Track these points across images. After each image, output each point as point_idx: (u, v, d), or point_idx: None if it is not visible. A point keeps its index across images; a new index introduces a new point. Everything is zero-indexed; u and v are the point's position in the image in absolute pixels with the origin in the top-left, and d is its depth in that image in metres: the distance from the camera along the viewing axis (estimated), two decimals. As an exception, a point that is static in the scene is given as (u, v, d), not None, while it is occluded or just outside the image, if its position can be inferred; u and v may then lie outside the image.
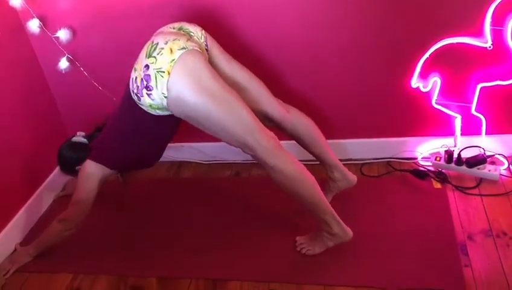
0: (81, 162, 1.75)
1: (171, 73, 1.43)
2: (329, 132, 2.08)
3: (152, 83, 1.45)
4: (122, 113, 1.63)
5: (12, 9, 2.00)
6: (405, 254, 1.63)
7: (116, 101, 2.10)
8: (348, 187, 1.87)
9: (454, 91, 1.90)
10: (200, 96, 1.45)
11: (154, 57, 1.44)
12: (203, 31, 1.62)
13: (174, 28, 1.58)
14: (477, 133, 1.96)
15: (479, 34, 1.77)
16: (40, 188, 2.15)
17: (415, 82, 1.89)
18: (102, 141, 1.73)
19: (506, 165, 1.94)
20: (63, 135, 2.27)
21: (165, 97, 1.46)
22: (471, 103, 1.89)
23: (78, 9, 2.01)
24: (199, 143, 2.26)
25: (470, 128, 1.96)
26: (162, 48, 1.44)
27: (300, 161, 1.58)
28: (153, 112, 1.53)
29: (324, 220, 1.60)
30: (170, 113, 1.53)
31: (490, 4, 1.70)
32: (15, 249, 1.93)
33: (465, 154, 1.93)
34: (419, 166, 2.04)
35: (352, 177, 1.86)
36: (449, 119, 1.96)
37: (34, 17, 2.00)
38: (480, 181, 1.90)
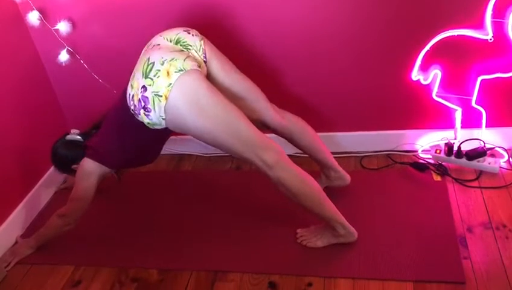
0: (77, 161, 1.73)
1: (169, 98, 1.41)
2: (329, 125, 2.09)
3: (150, 106, 1.44)
4: (121, 116, 1.59)
5: (12, 1, 2.00)
6: (404, 246, 1.64)
7: (116, 94, 2.10)
8: (342, 185, 1.88)
9: (454, 84, 1.90)
10: (198, 119, 1.44)
11: (151, 78, 1.42)
12: (202, 41, 1.57)
13: (171, 41, 1.53)
14: (478, 125, 1.96)
15: (479, 26, 1.76)
16: (41, 181, 2.16)
17: (416, 75, 1.89)
18: (100, 140, 1.71)
19: (506, 157, 1.94)
20: (63, 128, 2.27)
21: (163, 119, 1.46)
22: (472, 95, 1.88)
23: (77, 1, 2.00)
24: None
25: (470, 121, 1.96)
26: (159, 70, 1.41)
27: (289, 155, 1.58)
28: (150, 127, 1.52)
29: (330, 224, 1.61)
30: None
31: (491, -4, 1.70)
32: (16, 242, 1.94)
33: (465, 147, 1.94)
34: (419, 159, 2.04)
35: (347, 176, 1.88)
36: (449, 112, 1.96)
37: (33, 9, 2.00)
38: (480, 174, 1.91)
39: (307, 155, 1.86)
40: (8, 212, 1.96)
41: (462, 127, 1.96)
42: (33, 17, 2.00)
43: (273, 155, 1.51)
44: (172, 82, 1.40)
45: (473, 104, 1.90)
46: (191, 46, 1.54)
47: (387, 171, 2.02)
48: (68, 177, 2.29)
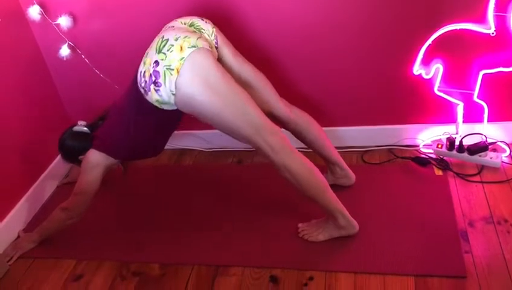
0: (84, 152, 1.74)
1: (180, 71, 1.42)
2: (331, 120, 2.09)
3: (161, 80, 1.45)
4: (128, 103, 1.62)
5: (13, -4, 2.00)
6: (406, 240, 1.64)
7: (117, 88, 2.10)
8: (347, 184, 1.89)
9: (456, 78, 1.89)
10: (208, 96, 1.45)
11: (164, 53, 1.44)
12: (214, 29, 1.61)
13: (185, 24, 1.56)
14: (479, 120, 1.95)
15: (482, 20, 1.76)
16: (43, 175, 2.16)
17: (417, 69, 1.88)
18: (107, 130, 1.72)
19: (508, 152, 1.94)
20: (65, 122, 2.27)
21: (173, 94, 1.46)
22: (474, 90, 1.88)
23: (78, -5, 2.00)
24: (201, 131, 2.26)
25: (472, 115, 1.95)
26: (172, 45, 1.44)
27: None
28: (159, 106, 1.52)
29: (331, 214, 1.62)
30: (176, 108, 1.53)
31: (494, -10, 1.69)
32: (18, 236, 1.95)
33: (467, 142, 1.93)
34: (420, 153, 2.04)
35: (352, 175, 1.89)
36: (451, 107, 1.96)
37: (34, 3, 1.99)
38: (482, 168, 1.91)
39: (311, 151, 1.85)
40: (11, 206, 1.96)
41: (463, 122, 1.96)
42: (34, 12, 2.00)
43: (279, 140, 1.52)
44: (185, 56, 1.42)
45: (475, 98, 1.89)
46: (204, 29, 1.58)
47: (389, 166, 2.02)
48: (70, 171, 2.30)
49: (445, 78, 1.90)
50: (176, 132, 1.76)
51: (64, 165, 2.26)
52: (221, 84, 1.46)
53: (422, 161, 1.98)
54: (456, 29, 1.77)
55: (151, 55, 1.47)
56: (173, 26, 1.55)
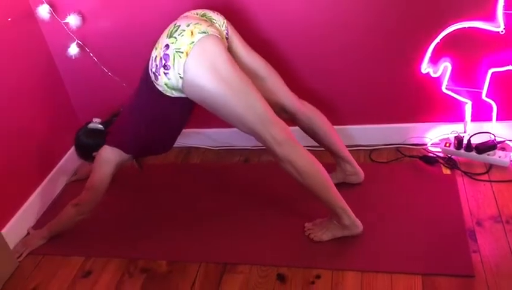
0: (97, 148, 1.76)
1: (189, 54, 1.43)
2: (338, 118, 2.09)
3: (170, 63, 1.46)
4: (139, 98, 1.64)
5: (23, -5, 2.02)
6: (413, 239, 1.63)
7: (125, 86, 2.11)
8: (356, 182, 1.88)
9: (465, 76, 1.88)
10: (215, 81, 1.46)
11: (175, 37, 1.45)
12: (226, 21, 1.63)
13: (197, 14, 1.59)
14: (488, 119, 1.94)
15: (491, 18, 1.74)
16: (52, 173, 2.18)
17: (425, 67, 1.87)
18: (119, 126, 1.75)
19: (517, 151, 1.93)
20: (74, 120, 2.30)
21: (180, 78, 1.47)
22: (482, 88, 1.87)
23: (87, -6, 2.02)
24: (208, 129, 2.27)
25: (480, 114, 1.94)
26: (184, 30, 1.45)
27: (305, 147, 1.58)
28: (168, 92, 1.53)
29: (335, 211, 1.61)
30: (185, 96, 1.54)
31: (503, -13, 1.68)
32: (28, 233, 1.97)
33: (475, 141, 1.92)
34: (428, 152, 2.03)
35: (361, 173, 1.89)
36: (459, 105, 1.95)
37: (43, 2, 2.01)
38: (490, 167, 1.90)
39: (319, 149, 1.85)
40: (20, 203, 1.98)
41: (472, 120, 1.95)
42: (43, 11, 2.02)
43: (283, 132, 1.52)
44: (195, 40, 1.43)
45: (484, 97, 1.88)
46: (215, 20, 1.59)
47: (397, 164, 2.02)
48: (78, 169, 2.31)
49: (453, 77, 1.89)
50: (183, 130, 1.77)
51: (73, 163, 2.28)
52: (228, 71, 1.47)
53: (430, 160, 1.97)
54: (464, 28, 1.76)
55: (162, 40, 1.50)
56: (186, 16, 1.57)
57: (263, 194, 1.98)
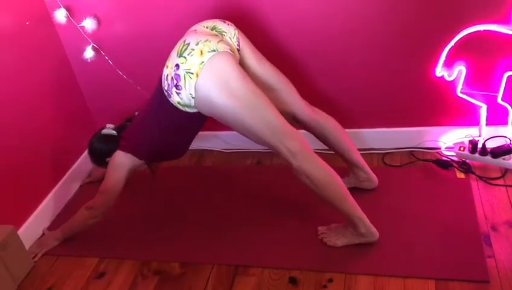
0: (111, 154, 1.77)
1: (200, 75, 1.44)
2: (352, 121, 2.08)
3: (181, 83, 1.47)
4: (154, 105, 1.65)
5: (40, 0, 2.05)
6: (427, 244, 1.62)
7: (140, 89, 2.13)
8: (370, 187, 1.88)
9: (479, 80, 1.87)
10: (227, 99, 1.46)
11: (185, 57, 1.46)
12: (237, 31, 1.62)
13: (207, 28, 1.58)
14: (503, 123, 1.92)
15: (506, 21, 1.73)
16: (67, 175, 2.21)
17: (440, 71, 1.86)
18: (132, 131, 1.76)
19: (533, 155, 1.90)
20: (89, 123, 2.33)
21: (192, 98, 1.49)
22: (498, 92, 1.85)
23: (103, -2, 2.04)
24: (220, 132, 2.28)
25: (496, 117, 1.92)
26: (193, 49, 1.46)
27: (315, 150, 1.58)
28: (182, 108, 1.55)
29: (351, 220, 1.61)
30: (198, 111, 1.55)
31: (519, -10, 1.67)
32: (43, 234, 1.99)
33: (490, 145, 1.90)
34: (442, 156, 2.02)
35: (375, 179, 1.88)
36: (474, 109, 1.93)
37: (60, 6, 2.04)
38: (506, 172, 1.87)
39: (331, 152, 1.85)
40: (36, 205, 2.01)
41: (487, 124, 1.93)
42: (60, 15, 2.05)
43: (298, 144, 1.52)
44: (204, 60, 1.44)
45: (499, 100, 1.86)
46: (225, 32, 1.59)
47: (410, 168, 2.01)
48: (93, 171, 2.34)
49: (468, 80, 1.87)
50: (196, 133, 1.78)
51: (87, 166, 2.31)
52: (240, 87, 1.47)
53: (444, 164, 1.95)
54: (479, 31, 1.75)
55: (172, 59, 1.50)
56: (195, 30, 1.57)
57: (276, 196, 1.98)
